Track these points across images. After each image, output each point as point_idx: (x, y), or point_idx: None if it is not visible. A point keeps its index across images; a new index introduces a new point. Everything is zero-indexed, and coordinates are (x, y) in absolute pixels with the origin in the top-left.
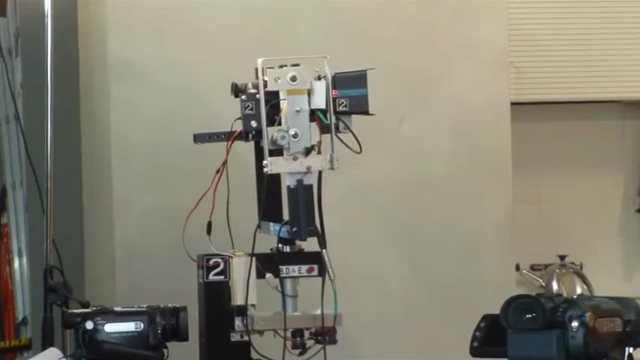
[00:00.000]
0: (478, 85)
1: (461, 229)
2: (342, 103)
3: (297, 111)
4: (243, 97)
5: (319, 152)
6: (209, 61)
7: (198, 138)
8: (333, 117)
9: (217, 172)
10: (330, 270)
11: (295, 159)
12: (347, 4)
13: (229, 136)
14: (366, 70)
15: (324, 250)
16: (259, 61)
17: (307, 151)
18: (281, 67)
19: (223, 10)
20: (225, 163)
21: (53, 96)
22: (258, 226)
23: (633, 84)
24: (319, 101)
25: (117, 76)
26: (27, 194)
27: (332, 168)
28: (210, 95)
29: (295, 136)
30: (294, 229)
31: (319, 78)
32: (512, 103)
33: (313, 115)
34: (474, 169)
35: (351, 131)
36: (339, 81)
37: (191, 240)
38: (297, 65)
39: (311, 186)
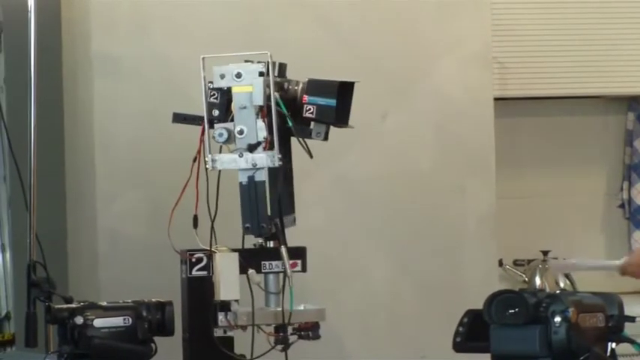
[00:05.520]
0: (461, 81)
1: (444, 224)
2: (310, 109)
3: (242, 107)
4: (210, 85)
5: (268, 148)
6: (193, 56)
7: (176, 118)
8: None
9: (194, 160)
10: (287, 267)
11: (241, 155)
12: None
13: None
14: (338, 82)
15: (282, 247)
16: (201, 57)
17: (251, 148)
18: (247, 62)
19: (208, 5)
20: (199, 151)
21: (36, 91)
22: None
23: (616, 80)
24: (257, 98)
25: (100, 72)
26: (10, 189)
27: (273, 165)
28: (194, 91)
29: (241, 132)
30: (246, 226)
31: (261, 74)
32: (496, 99)
33: (260, 110)
34: (457, 164)
35: (303, 143)
36: (310, 87)
37: (178, 234)
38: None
39: (263, 182)
